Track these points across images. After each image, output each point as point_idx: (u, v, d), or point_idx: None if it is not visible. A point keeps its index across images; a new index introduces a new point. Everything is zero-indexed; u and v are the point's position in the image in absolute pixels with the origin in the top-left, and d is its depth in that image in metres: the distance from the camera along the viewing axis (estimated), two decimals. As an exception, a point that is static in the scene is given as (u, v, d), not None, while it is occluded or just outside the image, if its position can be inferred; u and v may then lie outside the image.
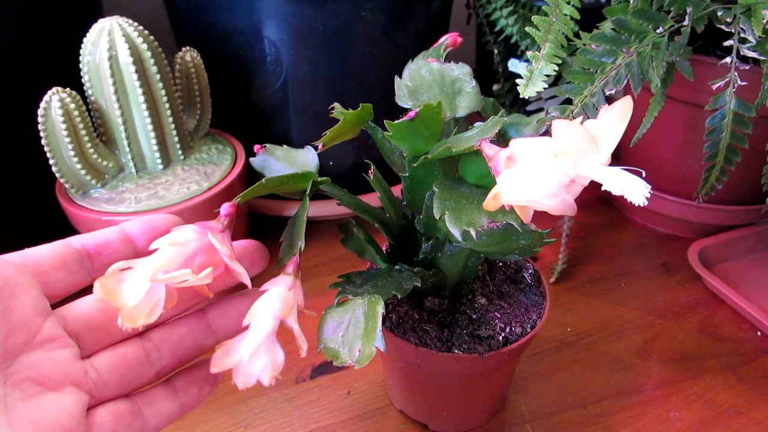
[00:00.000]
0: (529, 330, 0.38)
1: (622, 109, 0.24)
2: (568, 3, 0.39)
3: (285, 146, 0.38)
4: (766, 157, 0.43)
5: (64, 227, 0.50)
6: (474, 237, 0.28)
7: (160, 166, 0.48)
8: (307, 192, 0.31)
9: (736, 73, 0.40)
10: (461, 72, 0.38)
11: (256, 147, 0.37)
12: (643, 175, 0.23)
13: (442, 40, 0.41)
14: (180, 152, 0.49)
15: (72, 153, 0.43)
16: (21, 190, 0.50)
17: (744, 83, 0.39)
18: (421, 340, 0.37)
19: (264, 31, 0.53)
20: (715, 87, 0.40)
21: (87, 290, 0.29)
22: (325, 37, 0.53)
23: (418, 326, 0.38)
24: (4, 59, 0.46)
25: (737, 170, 0.44)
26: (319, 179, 0.33)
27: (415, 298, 0.40)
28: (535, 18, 0.38)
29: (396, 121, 0.31)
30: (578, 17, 0.39)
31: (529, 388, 0.48)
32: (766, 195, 0.43)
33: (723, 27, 0.40)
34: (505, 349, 0.37)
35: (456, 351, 0.37)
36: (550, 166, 0.24)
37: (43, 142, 0.43)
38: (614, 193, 0.23)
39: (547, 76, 0.37)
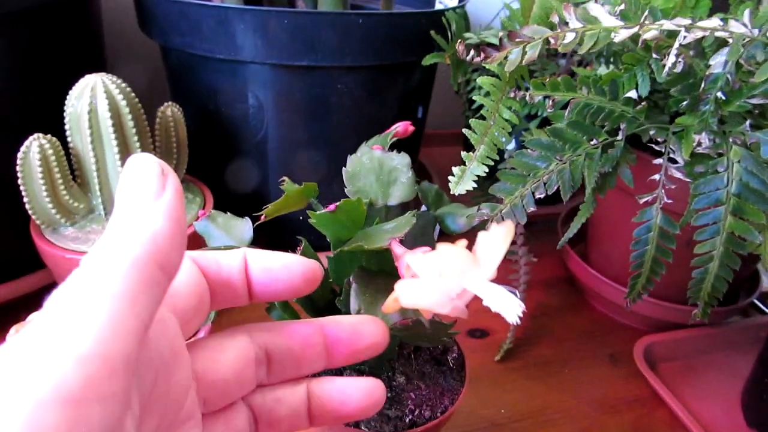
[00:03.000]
0: (438, 415, 0.40)
1: (504, 232, 0.27)
2: (509, 108, 0.42)
3: (228, 213, 0.41)
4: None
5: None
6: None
7: (128, 211, 0.51)
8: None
9: (663, 191, 0.41)
10: (400, 162, 0.40)
11: (201, 212, 0.40)
12: (518, 294, 0.25)
13: (393, 128, 0.44)
14: (149, 199, 0.52)
15: (45, 193, 0.47)
16: (7, 216, 0.54)
17: (670, 201, 0.41)
18: (333, 412, 0.39)
19: (245, 92, 0.56)
20: (642, 201, 0.42)
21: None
22: (302, 104, 0.57)
23: (332, 398, 0.40)
24: (7, 104, 0.50)
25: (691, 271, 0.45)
26: (242, 255, 0.35)
27: (336, 370, 0.42)
28: (473, 121, 0.40)
29: (318, 212, 0.33)
30: (518, 122, 0.42)
31: (452, 465, 0.49)
32: (694, 307, 0.44)
33: (653, 146, 0.42)
34: (409, 431, 0.39)
35: (363, 428, 0.38)
36: (436, 281, 0.27)
37: (19, 181, 0.46)
38: (492, 309, 0.25)
39: (477, 176, 0.40)
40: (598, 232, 0.66)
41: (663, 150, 0.42)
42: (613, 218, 0.63)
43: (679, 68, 0.39)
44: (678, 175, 0.41)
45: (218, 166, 0.63)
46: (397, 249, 0.31)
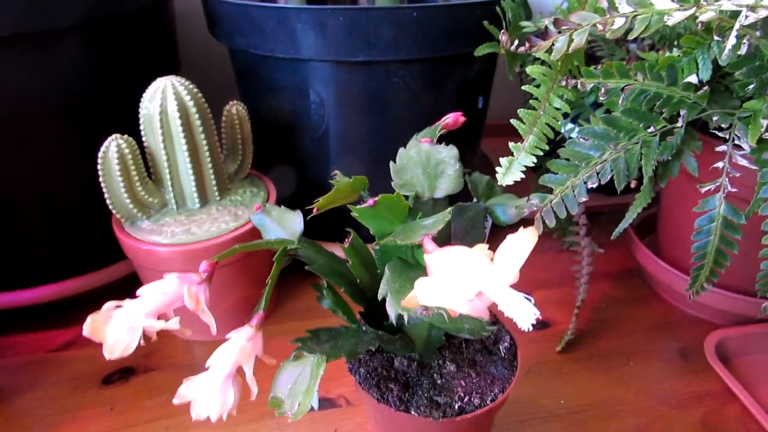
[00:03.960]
0: (488, 403, 0.40)
1: (527, 238, 0.27)
2: (561, 97, 0.41)
3: (282, 207, 0.42)
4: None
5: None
6: (405, 321, 0.31)
7: (198, 205, 0.55)
8: (274, 258, 0.36)
9: (727, 179, 0.40)
10: (447, 155, 0.41)
11: (256, 206, 0.42)
12: (533, 301, 0.25)
13: (442, 119, 0.44)
14: (216, 193, 0.56)
15: (122, 189, 0.51)
16: (92, 212, 0.59)
17: (734, 190, 0.39)
18: (383, 396, 0.40)
19: (306, 89, 0.58)
20: (704, 190, 0.40)
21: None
22: (360, 99, 0.58)
23: (383, 383, 0.41)
24: (90, 109, 0.55)
25: None
26: (292, 246, 0.37)
27: (388, 357, 0.43)
28: (521, 111, 0.40)
29: (359, 206, 0.35)
30: (569, 111, 0.41)
31: (507, 455, 0.49)
32: (764, 299, 0.42)
33: (716, 132, 0.40)
34: (459, 418, 0.39)
35: (413, 412, 0.39)
36: (453, 282, 0.27)
37: (100, 179, 0.51)
38: (506, 315, 0.26)
39: (526, 167, 0.39)
40: (669, 222, 0.64)
41: (727, 136, 0.40)
42: (684, 207, 0.60)
43: (743, 50, 0.37)
44: (743, 162, 0.39)
45: (282, 160, 0.66)
46: (428, 246, 0.32)
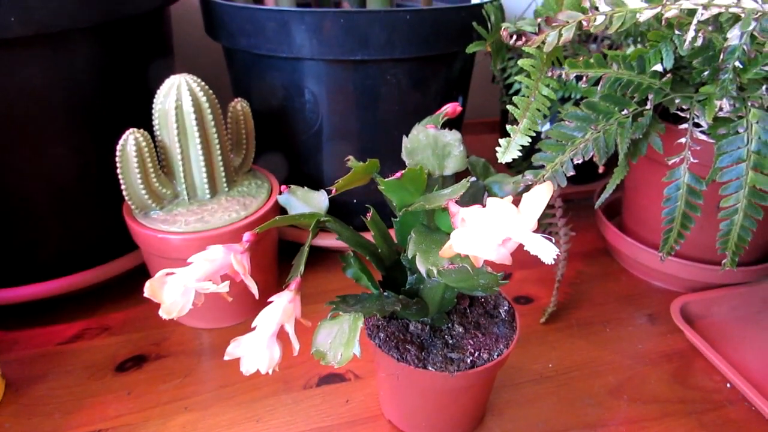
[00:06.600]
0: (495, 357, 0.45)
1: (544, 191, 0.32)
2: (547, 86, 0.47)
3: (305, 188, 0.47)
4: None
5: (127, 239, 0.60)
6: (435, 274, 0.36)
7: (208, 196, 0.58)
8: (310, 228, 0.40)
9: (689, 152, 0.46)
10: (452, 138, 0.46)
11: (283, 187, 0.46)
12: (553, 240, 0.31)
13: (442, 109, 0.50)
14: (225, 185, 0.59)
15: (139, 181, 0.54)
16: (99, 207, 0.61)
17: (696, 161, 0.46)
18: (402, 356, 0.45)
19: (303, 87, 0.63)
20: (670, 162, 0.47)
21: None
22: (354, 95, 0.63)
23: (401, 345, 0.46)
24: (98, 105, 0.57)
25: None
26: (323, 218, 0.41)
27: (403, 322, 0.48)
28: (516, 98, 0.46)
29: (386, 179, 0.39)
30: (555, 98, 0.47)
31: (506, 412, 0.54)
32: (722, 257, 0.49)
33: (678, 113, 0.47)
34: (472, 370, 0.44)
35: (430, 368, 0.44)
36: (486, 230, 0.32)
37: (118, 170, 0.53)
38: (532, 252, 0.31)
39: (522, 146, 0.45)
40: (632, 205, 0.71)
41: (688, 117, 0.46)
42: (645, 192, 0.67)
43: (699, 42, 0.43)
44: (702, 137, 0.46)
45: (279, 155, 0.70)
46: (453, 208, 0.37)
